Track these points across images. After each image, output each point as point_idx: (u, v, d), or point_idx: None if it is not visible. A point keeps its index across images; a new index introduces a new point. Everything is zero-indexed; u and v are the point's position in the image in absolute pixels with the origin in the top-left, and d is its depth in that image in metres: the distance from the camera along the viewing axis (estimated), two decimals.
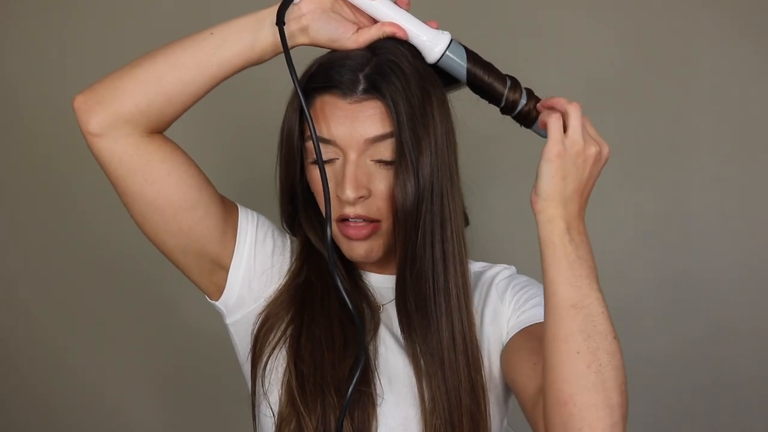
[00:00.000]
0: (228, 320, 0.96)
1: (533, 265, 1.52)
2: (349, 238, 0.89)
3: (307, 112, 0.83)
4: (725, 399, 1.61)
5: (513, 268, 1.03)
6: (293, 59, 0.82)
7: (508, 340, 0.93)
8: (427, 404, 0.88)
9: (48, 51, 1.64)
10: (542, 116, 0.84)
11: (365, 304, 0.95)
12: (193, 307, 1.59)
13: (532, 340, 0.88)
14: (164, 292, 1.66)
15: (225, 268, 0.92)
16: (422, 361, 0.89)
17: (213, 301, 0.96)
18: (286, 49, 0.83)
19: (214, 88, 0.86)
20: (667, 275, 1.60)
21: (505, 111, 0.91)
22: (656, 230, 1.61)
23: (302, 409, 0.86)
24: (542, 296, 0.86)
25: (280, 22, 0.82)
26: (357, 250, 0.90)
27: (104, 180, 1.66)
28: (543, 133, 0.85)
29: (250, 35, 0.83)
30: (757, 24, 1.55)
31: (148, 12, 1.61)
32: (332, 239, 0.85)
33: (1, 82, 1.66)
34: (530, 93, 0.91)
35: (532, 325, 0.91)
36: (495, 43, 1.51)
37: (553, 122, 0.78)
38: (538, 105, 0.86)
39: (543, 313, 0.85)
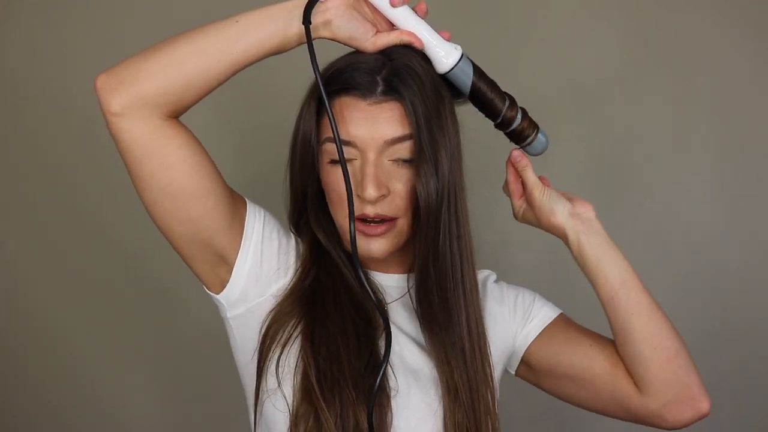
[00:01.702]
0: (228, 314, 0.95)
1: (529, 265, 1.52)
2: (367, 235, 0.91)
3: (329, 111, 0.84)
4: (726, 396, 1.61)
5: (494, 274, 1.10)
6: (309, 55, 0.84)
7: (536, 338, 1.03)
8: (451, 395, 0.92)
9: (48, 50, 1.64)
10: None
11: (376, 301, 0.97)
12: (196, 307, 1.59)
13: (567, 330, 1.03)
14: (167, 290, 1.67)
15: (230, 261, 0.92)
16: (446, 353, 0.93)
17: (213, 294, 0.95)
18: (311, 49, 0.84)
19: (233, 75, 0.86)
20: (666, 277, 1.60)
21: (499, 126, 0.97)
22: (655, 231, 1.61)
23: (322, 404, 0.87)
24: (537, 296, 1.07)
25: (307, 21, 0.84)
26: (374, 246, 0.92)
27: (107, 177, 1.66)
28: (532, 151, 0.99)
29: (274, 26, 0.85)
30: (757, 24, 1.55)
31: (148, 12, 1.61)
32: (354, 236, 0.87)
33: (1, 82, 1.66)
34: (525, 112, 0.96)
35: (553, 320, 1.04)
36: (494, 43, 1.52)
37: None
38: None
39: (551, 311, 1.06)
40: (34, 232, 1.70)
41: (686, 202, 1.60)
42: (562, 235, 0.99)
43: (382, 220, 0.90)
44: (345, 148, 0.88)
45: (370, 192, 0.87)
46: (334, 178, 0.91)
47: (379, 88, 0.87)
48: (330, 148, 0.90)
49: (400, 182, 0.89)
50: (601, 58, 1.58)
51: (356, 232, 0.91)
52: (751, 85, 1.55)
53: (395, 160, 0.89)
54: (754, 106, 1.56)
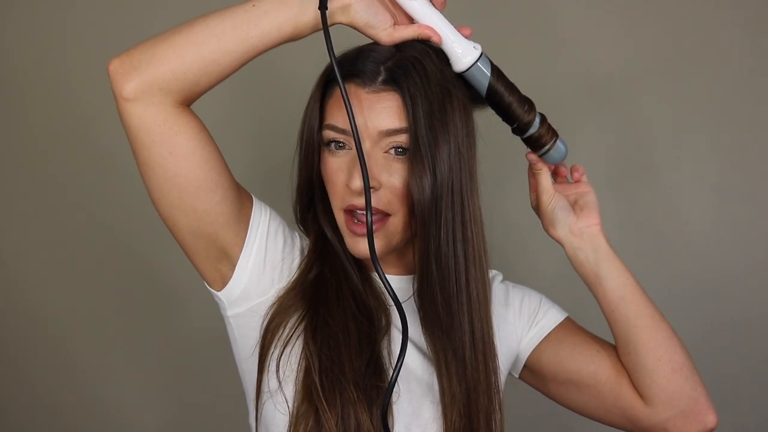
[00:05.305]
0: (229, 312, 0.94)
1: (527, 268, 1.51)
2: (355, 234, 0.89)
3: (344, 94, 0.82)
4: (722, 397, 1.60)
5: (500, 274, 1.07)
6: (325, 40, 0.83)
7: (541, 341, 1.03)
8: (447, 401, 0.90)
9: (49, 46, 1.62)
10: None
11: (378, 302, 0.95)
12: (198, 307, 1.59)
13: (574, 335, 1.02)
14: (168, 290, 1.66)
15: (233, 258, 0.91)
16: (444, 358, 0.91)
17: (214, 291, 0.93)
18: (327, 35, 0.83)
19: (249, 60, 0.85)
20: (666, 277, 1.59)
21: (516, 131, 0.94)
22: (656, 231, 1.60)
23: (323, 404, 0.85)
24: (543, 297, 1.06)
25: (323, 6, 0.82)
26: (362, 246, 0.89)
27: (107, 176, 1.64)
28: (549, 159, 0.96)
29: (292, 10, 0.83)
30: (760, 23, 1.54)
31: (149, 9, 1.60)
32: (371, 228, 0.85)
33: (2, 79, 1.65)
34: (543, 119, 0.93)
35: (559, 324, 1.03)
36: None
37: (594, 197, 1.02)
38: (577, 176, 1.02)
39: (558, 314, 1.04)
40: (33, 232, 1.69)
41: (685, 202, 1.58)
42: (561, 245, 1.00)
43: (374, 213, 0.88)
44: (342, 136, 0.88)
45: (357, 183, 0.85)
46: (327, 166, 0.90)
47: (380, 78, 0.86)
48: (327, 135, 0.89)
49: (393, 176, 0.87)
50: (599, 59, 1.57)
51: (345, 229, 0.90)
52: (749, 86, 1.55)
53: (390, 154, 0.87)
54: (754, 107, 1.55)
